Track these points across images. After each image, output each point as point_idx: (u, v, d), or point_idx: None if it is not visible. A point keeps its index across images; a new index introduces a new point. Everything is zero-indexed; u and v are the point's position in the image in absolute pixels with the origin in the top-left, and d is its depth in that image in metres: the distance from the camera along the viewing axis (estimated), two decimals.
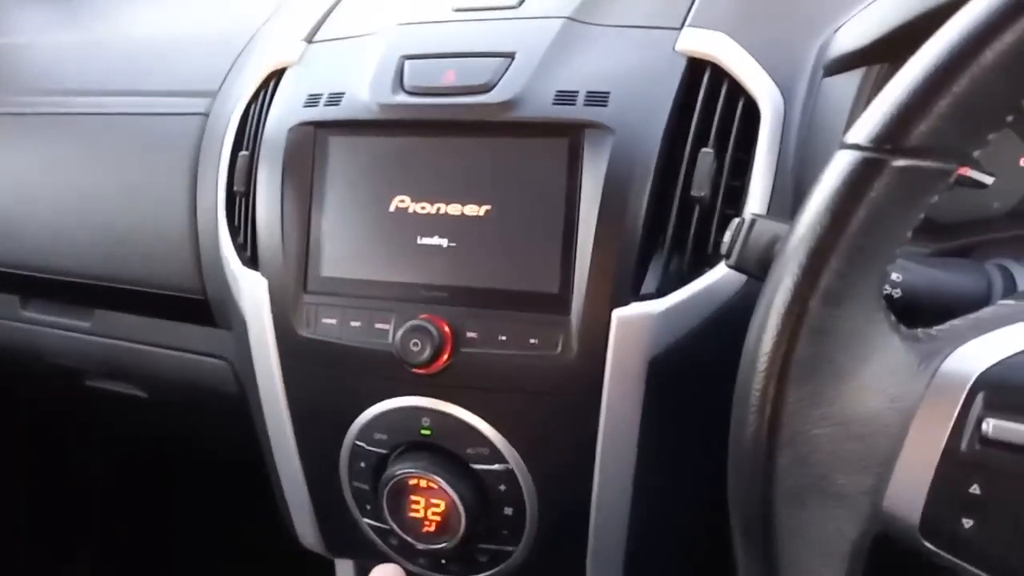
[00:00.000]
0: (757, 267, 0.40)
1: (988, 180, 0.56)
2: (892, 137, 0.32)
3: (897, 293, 0.44)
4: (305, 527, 0.71)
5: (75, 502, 1.24)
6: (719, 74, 0.55)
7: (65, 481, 1.23)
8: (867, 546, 0.35)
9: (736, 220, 0.42)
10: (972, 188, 0.56)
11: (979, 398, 0.33)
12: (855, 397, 0.34)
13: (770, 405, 0.33)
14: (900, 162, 0.32)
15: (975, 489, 0.33)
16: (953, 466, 0.33)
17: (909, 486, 0.34)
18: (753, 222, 0.41)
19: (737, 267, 0.41)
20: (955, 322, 0.36)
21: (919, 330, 0.36)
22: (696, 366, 0.55)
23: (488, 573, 0.63)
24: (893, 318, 0.35)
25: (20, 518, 1.19)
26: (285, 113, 0.64)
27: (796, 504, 0.34)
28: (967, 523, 0.33)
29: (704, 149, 0.54)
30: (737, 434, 0.35)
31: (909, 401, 0.34)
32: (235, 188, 0.67)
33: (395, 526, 0.62)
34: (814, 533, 0.35)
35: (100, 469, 1.25)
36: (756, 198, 0.54)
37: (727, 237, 0.42)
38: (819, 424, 0.33)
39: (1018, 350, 0.33)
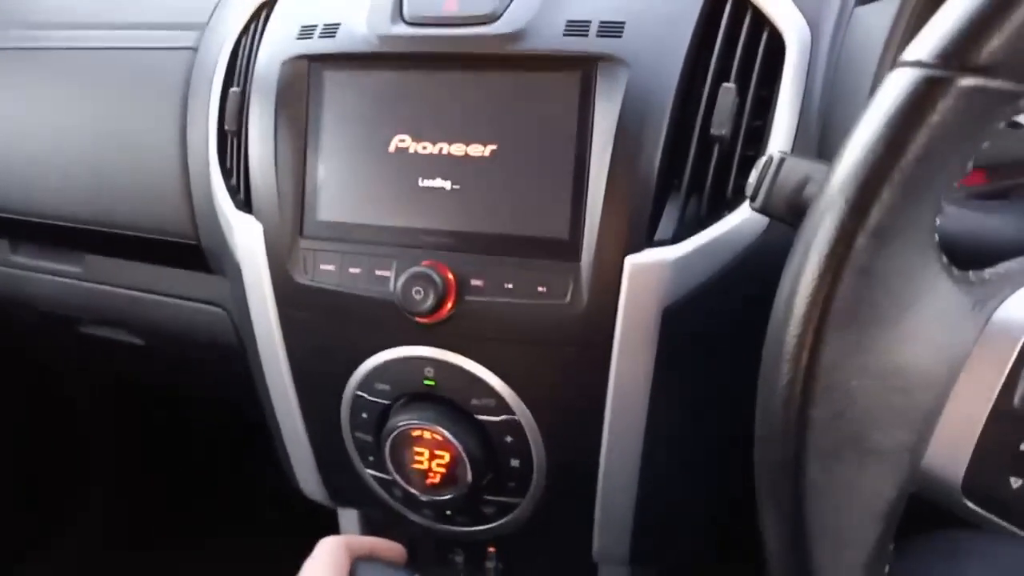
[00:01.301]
0: (786, 210, 0.37)
1: None
2: (960, 52, 0.28)
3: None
4: (307, 478, 0.70)
5: (75, 452, 1.23)
6: (742, 3, 0.51)
7: (64, 430, 1.22)
8: (903, 506, 0.33)
9: (763, 159, 0.39)
10: (1017, 128, 0.53)
11: None
12: (899, 346, 0.31)
13: (806, 353, 0.30)
14: (968, 81, 0.28)
15: None
16: (1004, 421, 0.31)
17: (953, 443, 0.32)
18: (782, 160, 0.38)
19: (763, 210, 0.39)
20: (1010, 264, 0.33)
21: (971, 272, 0.33)
22: (713, 316, 0.52)
23: (494, 525, 0.62)
24: (945, 259, 0.32)
25: (20, 467, 1.18)
26: (277, 46, 0.60)
27: (830, 460, 0.32)
28: (1016, 483, 0.31)
29: (725, 84, 0.50)
30: (767, 384, 0.32)
31: (958, 350, 0.31)
32: (226, 127, 0.63)
33: (399, 478, 0.60)
34: (848, 491, 0.32)
35: (99, 418, 1.24)
36: (779, 138, 0.50)
37: (753, 177, 0.39)
38: (858, 374, 0.30)
39: None
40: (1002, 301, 0.31)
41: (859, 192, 0.29)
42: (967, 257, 0.37)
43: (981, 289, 0.32)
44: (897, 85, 0.29)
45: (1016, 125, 0.53)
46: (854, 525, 0.32)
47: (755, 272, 0.51)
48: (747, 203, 0.49)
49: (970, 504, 0.32)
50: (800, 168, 0.37)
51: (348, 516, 0.76)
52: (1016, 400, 0.30)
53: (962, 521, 0.34)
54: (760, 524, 0.35)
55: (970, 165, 0.30)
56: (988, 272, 0.33)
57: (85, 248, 0.81)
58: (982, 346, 0.31)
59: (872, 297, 0.30)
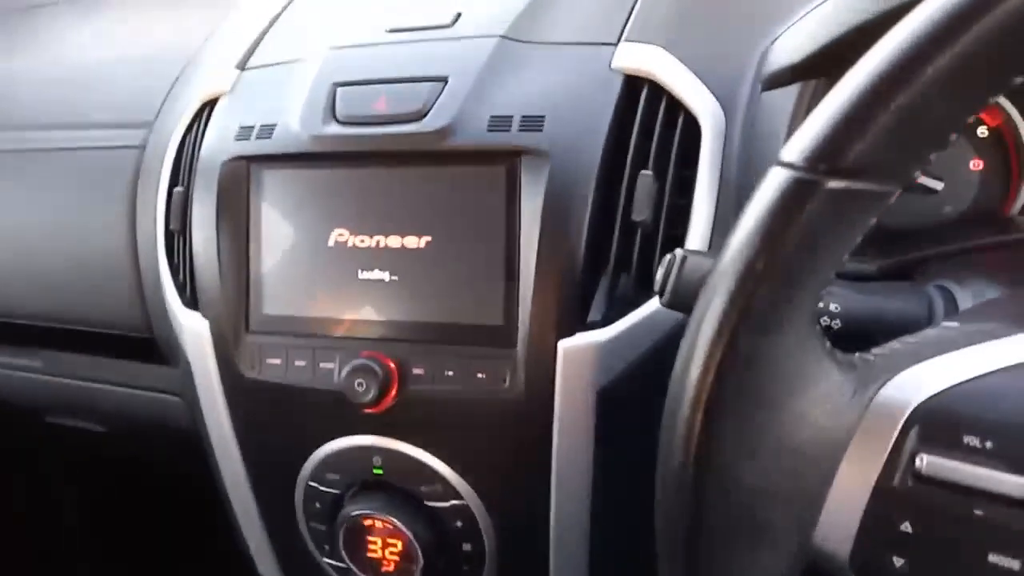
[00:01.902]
0: (692, 305, 0.39)
1: (938, 186, 0.55)
2: (826, 157, 0.29)
3: (837, 324, 0.42)
4: (266, 566, 0.70)
5: (44, 535, 1.22)
6: (657, 90, 0.54)
7: (35, 513, 1.21)
8: None
9: (668, 256, 0.41)
10: (923, 194, 0.55)
11: (914, 432, 0.32)
12: (785, 428, 0.32)
13: (696, 437, 0.31)
14: (835, 184, 0.29)
15: (906, 527, 0.31)
16: (884, 502, 0.32)
17: (839, 521, 0.33)
18: (684, 258, 0.39)
19: (670, 305, 0.40)
20: (894, 345, 0.35)
21: (856, 355, 0.34)
22: (645, 394, 0.52)
23: None
24: (828, 344, 0.33)
25: None
26: (218, 146, 0.62)
27: (722, 539, 0.33)
28: (898, 562, 0.31)
29: (643, 172, 0.52)
30: (663, 466, 0.33)
31: (841, 432, 0.32)
32: (171, 226, 0.65)
33: (353, 566, 0.61)
34: (741, 569, 0.33)
35: (67, 500, 1.23)
36: (700, 218, 0.52)
37: (659, 275, 0.41)
38: (746, 456, 0.32)
39: (956, 381, 0.32)
40: (886, 382, 0.32)
41: (738, 284, 0.31)
42: (863, 338, 0.39)
43: (866, 371, 0.33)
44: (772, 185, 0.31)
45: (928, 190, 0.55)
46: None
47: None
48: None
49: None
50: (702, 264, 0.39)
51: None
52: (896, 481, 0.31)
53: None
54: None
55: (846, 258, 0.32)
56: (874, 353, 0.34)
57: (42, 343, 0.82)
58: (864, 428, 0.32)
59: (755, 383, 0.31)
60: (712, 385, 0.31)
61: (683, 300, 0.39)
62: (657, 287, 0.41)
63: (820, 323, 0.41)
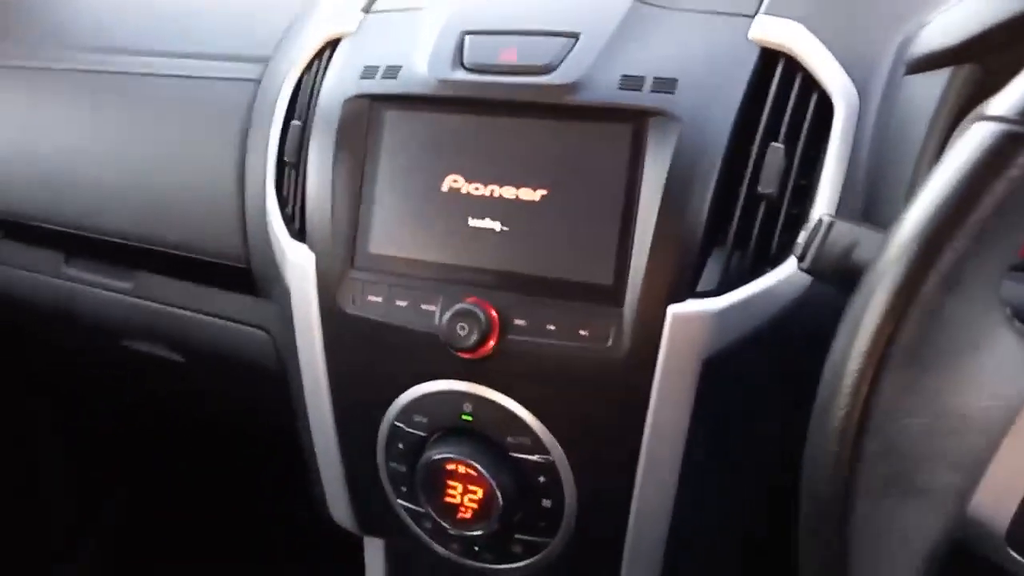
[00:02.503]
0: (833, 273, 0.38)
1: None
2: None
3: None
4: (337, 504, 0.71)
5: (107, 461, 1.25)
6: (793, 66, 0.53)
7: (97, 440, 1.24)
8: (944, 550, 0.34)
9: (812, 221, 0.40)
10: None
11: None
12: (956, 389, 0.32)
13: (865, 387, 0.31)
14: None
15: None
16: None
17: (1001, 491, 0.32)
18: (831, 224, 0.39)
19: (811, 270, 0.40)
20: None
21: None
22: (752, 369, 0.53)
23: (521, 564, 0.63)
24: (1008, 311, 0.33)
25: (49, 473, 1.20)
26: (340, 84, 0.62)
27: (877, 495, 0.32)
28: None
29: (774, 144, 0.52)
30: (821, 417, 0.33)
31: (1013, 399, 0.32)
32: (285, 159, 0.66)
33: (430, 510, 0.61)
34: (892, 528, 0.33)
35: (132, 432, 1.26)
36: (825, 198, 0.51)
37: (801, 238, 0.40)
38: (914, 413, 0.31)
39: None
40: None
41: (934, 235, 0.30)
42: None
43: None
44: (977, 137, 0.30)
45: None
46: (895, 563, 0.33)
47: (796, 327, 0.52)
48: (791, 260, 0.51)
49: (1014, 554, 0.32)
50: (849, 233, 0.38)
51: (374, 545, 0.77)
52: None
53: (1003, 572, 0.34)
54: (799, 557, 0.35)
55: None
56: None
57: (136, 265, 0.84)
58: None
59: (935, 339, 0.31)
60: (890, 336, 0.30)
61: (826, 267, 0.39)
62: (798, 251, 0.40)
63: None
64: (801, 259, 0.40)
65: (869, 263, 0.32)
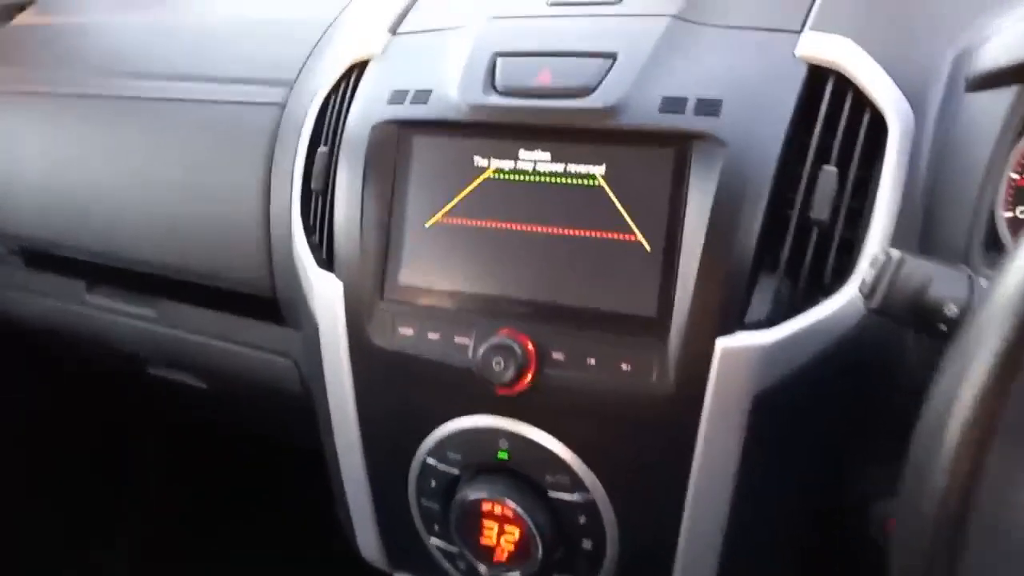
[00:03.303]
0: (908, 311, 0.36)
1: None
2: None
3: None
4: (367, 539, 0.69)
5: (124, 490, 1.24)
6: (843, 84, 0.50)
7: (118, 468, 1.23)
8: None
9: (880, 257, 0.38)
10: None
11: None
12: None
13: (968, 462, 0.28)
14: None
15: None
16: None
17: None
18: (902, 260, 0.36)
19: (881, 310, 0.37)
20: None
21: None
22: (806, 404, 0.50)
23: None
24: None
25: (68, 501, 1.19)
26: (368, 109, 0.61)
27: None
28: None
29: (826, 167, 0.49)
30: (915, 494, 0.29)
31: None
32: (312, 186, 0.64)
33: (465, 550, 0.59)
34: None
35: (156, 460, 1.25)
36: (880, 223, 0.49)
37: (868, 276, 0.38)
38: None
39: None
40: None
41: None
42: None
43: None
44: None
45: None
46: None
47: (851, 360, 0.49)
48: (845, 289, 0.48)
49: None
50: (922, 269, 0.36)
51: None
52: None
53: None
54: None
55: None
56: None
57: (159, 293, 0.82)
58: None
59: None
60: (996, 405, 0.27)
61: (896, 306, 0.36)
62: (865, 289, 0.38)
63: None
64: (868, 297, 0.37)
65: (961, 308, 0.29)
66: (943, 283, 0.35)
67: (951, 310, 0.35)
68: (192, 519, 1.27)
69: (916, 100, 0.50)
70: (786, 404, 0.50)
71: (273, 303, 0.71)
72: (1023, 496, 0.28)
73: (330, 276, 0.61)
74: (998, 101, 0.46)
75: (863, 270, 0.47)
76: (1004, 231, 0.50)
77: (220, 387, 0.87)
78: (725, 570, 0.55)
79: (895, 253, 0.37)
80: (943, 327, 0.36)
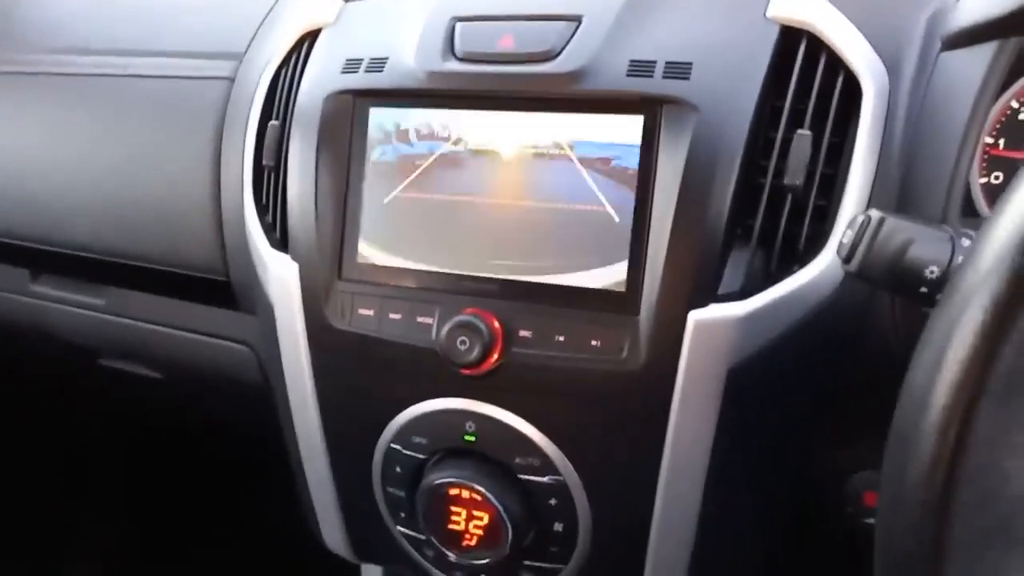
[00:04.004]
0: (887, 275, 0.34)
1: None
2: None
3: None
4: (331, 530, 0.66)
5: (84, 487, 1.20)
6: (815, 44, 0.49)
7: (75, 465, 1.19)
8: None
9: (858, 218, 0.36)
10: None
11: None
12: None
13: (956, 426, 0.26)
14: None
15: None
16: None
17: None
18: (882, 220, 0.35)
19: (861, 273, 0.35)
20: None
21: None
22: (781, 375, 0.49)
23: None
24: None
25: (25, 503, 1.14)
26: (321, 80, 0.58)
27: (974, 550, 0.28)
28: None
29: (800, 131, 0.47)
30: (900, 463, 0.28)
31: None
32: (264, 162, 0.61)
33: (432, 537, 0.57)
34: None
35: (112, 454, 1.21)
36: (855, 188, 0.47)
37: (846, 237, 0.36)
38: (1016, 454, 0.27)
39: None
40: None
41: None
42: None
43: None
44: None
45: None
46: None
47: (828, 329, 0.48)
48: (821, 256, 0.47)
49: None
50: (902, 229, 0.34)
51: (371, 573, 0.72)
52: None
53: None
54: None
55: None
56: None
57: (108, 280, 0.79)
58: None
59: None
60: (984, 365, 0.25)
61: (877, 268, 0.34)
62: (843, 252, 0.36)
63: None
64: (847, 260, 0.36)
65: (942, 271, 0.27)
66: (924, 244, 0.34)
67: (932, 272, 0.34)
68: (155, 519, 1.24)
69: (891, 61, 0.49)
70: (761, 376, 0.48)
71: (227, 287, 0.68)
72: (1010, 464, 0.26)
73: (285, 257, 0.58)
74: (975, 59, 0.45)
75: (839, 236, 0.45)
76: (979, 198, 0.49)
77: (175, 377, 0.83)
78: (700, 549, 0.53)
79: (875, 213, 0.35)
80: (924, 290, 0.35)
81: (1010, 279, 0.25)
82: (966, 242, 0.35)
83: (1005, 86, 0.47)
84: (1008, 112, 0.50)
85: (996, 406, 0.26)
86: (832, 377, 0.50)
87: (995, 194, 0.50)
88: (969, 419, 0.26)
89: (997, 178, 0.50)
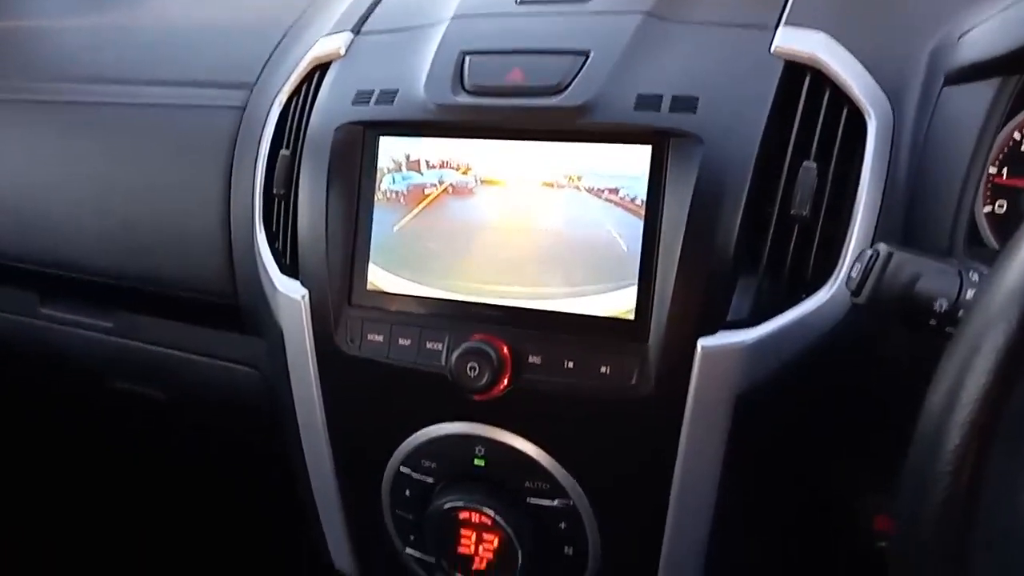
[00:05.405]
0: (895, 307, 0.35)
1: None
2: None
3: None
4: (340, 552, 0.67)
5: (90, 510, 1.20)
6: (820, 79, 0.50)
7: (82, 487, 1.19)
8: None
9: (867, 252, 0.37)
10: None
11: None
12: None
13: (970, 464, 0.27)
14: None
15: None
16: None
17: None
18: (890, 255, 0.36)
19: (869, 306, 0.36)
20: None
21: None
22: (789, 402, 0.49)
23: None
24: None
25: (30, 525, 1.14)
26: (331, 111, 0.59)
27: None
28: None
29: (806, 163, 0.48)
30: (915, 501, 0.28)
31: None
32: (275, 190, 0.62)
33: (442, 560, 0.57)
34: None
35: (119, 476, 1.21)
36: (862, 218, 0.48)
37: (855, 271, 0.37)
38: None
39: None
40: None
41: None
42: None
43: None
44: None
45: None
46: None
47: (836, 356, 0.49)
48: (828, 286, 0.48)
49: None
50: (910, 264, 0.35)
51: None
52: None
53: None
54: None
55: None
56: None
57: (117, 304, 0.79)
58: None
59: None
60: (996, 402, 0.26)
61: (886, 301, 0.35)
62: (852, 285, 0.37)
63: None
64: (856, 293, 0.37)
65: (951, 304, 0.28)
66: (932, 278, 0.35)
67: (941, 305, 0.35)
68: (161, 540, 1.23)
69: (894, 94, 0.50)
70: (769, 403, 0.49)
71: (235, 311, 0.69)
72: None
73: (294, 283, 0.59)
74: (978, 94, 0.46)
75: (846, 266, 0.46)
76: (984, 228, 0.50)
77: (182, 399, 0.84)
78: (710, 573, 0.54)
79: (883, 247, 0.36)
80: (932, 322, 0.35)
81: (1020, 321, 0.26)
82: (974, 275, 0.36)
83: (1008, 117, 0.48)
84: (1011, 142, 0.51)
85: (1008, 446, 0.26)
86: (841, 403, 0.51)
87: (999, 223, 0.51)
88: (982, 457, 0.26)
89: (1001, 207, 0.51)
